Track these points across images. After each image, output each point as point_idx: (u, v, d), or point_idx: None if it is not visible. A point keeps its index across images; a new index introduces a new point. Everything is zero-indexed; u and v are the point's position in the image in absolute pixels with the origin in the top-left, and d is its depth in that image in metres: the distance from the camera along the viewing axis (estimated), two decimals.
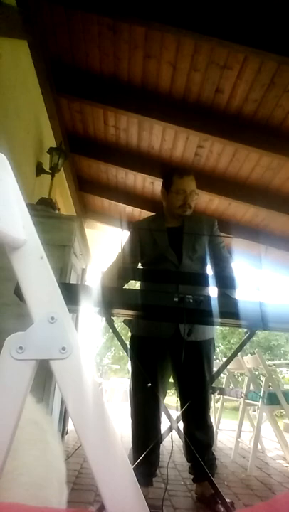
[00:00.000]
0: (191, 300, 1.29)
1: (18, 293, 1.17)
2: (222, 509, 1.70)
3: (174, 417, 1.57)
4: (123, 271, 2.01)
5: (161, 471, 2.20)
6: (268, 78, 2.71)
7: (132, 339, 2.09)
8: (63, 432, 2.73)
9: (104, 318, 1.52)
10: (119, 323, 5.65)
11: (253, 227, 4.66)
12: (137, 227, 2.20)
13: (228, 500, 1.71)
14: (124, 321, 2.17)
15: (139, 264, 2.15)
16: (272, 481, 2.57)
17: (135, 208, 5.01)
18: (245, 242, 4.69)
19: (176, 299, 1.30)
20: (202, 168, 3.93)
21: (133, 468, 0.54)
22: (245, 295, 1.67)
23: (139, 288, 2.03)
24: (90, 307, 1.36)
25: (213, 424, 4.11)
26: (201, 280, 1.83)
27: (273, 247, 4.73)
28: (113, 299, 1.36)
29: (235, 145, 3.39)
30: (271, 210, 4.07)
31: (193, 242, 2.05)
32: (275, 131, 3.15)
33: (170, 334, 1.93)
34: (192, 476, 2.03)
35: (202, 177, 3.99)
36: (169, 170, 2.22)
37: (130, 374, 2.06)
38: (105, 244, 6.00)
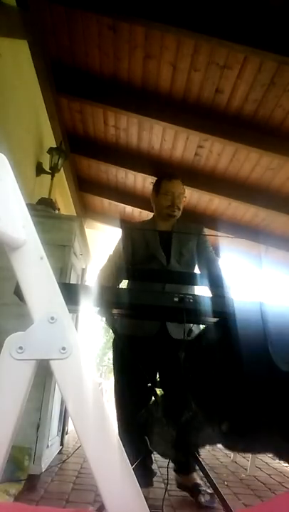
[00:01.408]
0: (191, 300, 1.29)
1: (18, 293, 1.17)
2: (203, 499, 1.84)
3: None
4: (116, 271, 2.06)
5: (161, 471, 2.20)
6: (268, 78, 2.71)
7: (115, 339, 2.08)
8: (63, 432, 2.73)
9: (104, 318, 1.52)
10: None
11: (253, 227, 4.65)
12: (128, 229, 2.26)
13: (209, 490, 1.86)
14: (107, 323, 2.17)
15: (130, 264, 2.18)
16: (272, 481, 2.57)
17: (135, 208, 5.01)
18: (245, 242, 4.69)
19: (176, 299, 1.30)
20: (202, 168, 3.92)
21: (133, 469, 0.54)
22: (245, 295, 1.67)
23: (126, 287, 2.04)
24: (89, 307, 1.36)
25: None
26: (190, 279, 1.84)
27: (273, 247, 4.73)
28: (113, 299, 1.36)
29: (235, 145, 3.39)
30: (271, 210, 4.07)
31: (180, 247, 2.13)
32: (275, 131, 3.15)
33: (154, 333, 1.92)
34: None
35: (202, 177, 3.99)
36: (159, 176, 2.34)
37: (114, 375, 2.08)
38: (105, 244, 6.00)
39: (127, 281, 2.07)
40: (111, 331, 1.89)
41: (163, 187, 2.18)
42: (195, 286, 1.82)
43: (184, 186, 2.24)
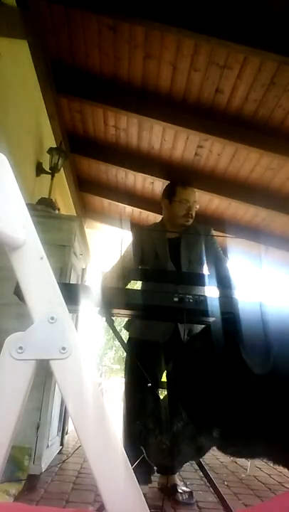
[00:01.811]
0: (191, 300, 1.29)
1: (18, 293, 1.17)
2: (180, 498, 1.93)
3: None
4: (125, 272, 2.05)
5: None
6: (268, 78, 2.71)
7: (129, 342, 2.10)
8: (63, 432, 2.73)
9: (104, 318, 1.52)
10: (119, 324, 5.66)
11: (253, 227, 4.65)
12: (139, 235, 2.22)
13: (187, 489, 1.99)
14: (124, 326, 2.19)
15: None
16: (272, 481, 2.57)
17: (135, 208, 5.01)
18: (245, 242, 4.69)
19: (176, 299, 1.30)
20: (202, 168, 3.92)
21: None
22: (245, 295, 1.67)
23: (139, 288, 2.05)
24: (90, 307, 1.36)
25: None
26: (200, 280, 1.84)
27: (273, 247, 4.73)
28: (113, 298, 1.36)
29: (235, 145, 3.39)
30: (271, 210, 4.07)
31: (189, 253, 2.12)
32: (275, 131, 3.15)
33: (167, 338, 1.94)
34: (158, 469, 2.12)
35: (202, 177, 3.99)
36: (171, 181, 2.28)
37: (125, 378, 2.09)
38: (105, 244, 6.00)
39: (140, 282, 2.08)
40: (111, 330, 1.89)
41: (178, 195, 2.11)
42: (205, 287, 1.83)
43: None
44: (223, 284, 1.78)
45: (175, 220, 2.14)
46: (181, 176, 4.02)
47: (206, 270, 2.17)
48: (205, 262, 2.14)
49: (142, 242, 2.16)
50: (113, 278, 2.06)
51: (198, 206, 2.18)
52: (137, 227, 2.29)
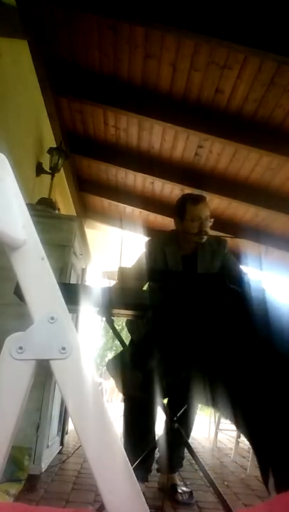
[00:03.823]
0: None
1: (18, 293, 1.17)
2: (180, 498, 1.94)
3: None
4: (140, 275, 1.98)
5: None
6: (268, 78, 2.71)
7: (131, 343, 2.09)
8: (63, 432, 2.73)
9: (104, 318, 1.52)
10: (119, 324, 5.65)
11: (253, 227, 4.66)
12: (153, 249, 2.11)
13: (187, 489, 2.02)
14: (126, 325, 2.17)
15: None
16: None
17: (135, 208, 5.01)
18: (245, 242, 4.69)
19: None
20: (202, 168, 3.93)
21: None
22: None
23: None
24: (90, 307, 1.36)
25: (213, 424, 4.11)
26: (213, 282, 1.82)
27: (274, 247, 4.73)
28: (112, 298, 1.36)
29: (235, 145, 3.39)
30: (271, 210, 4.07)
31: (205, 271, 2.04)
32: (275, 131, 3.15)
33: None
34: (157, 466, 2.17)
35: (202, 177, 4.00)
36: (181, 197, 2.18)
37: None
38: (105, 244, 6.00)
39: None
40: (111, 331, 1.89)
41: (189, 212, 2.00)
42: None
43: (193, 189, 2.12)
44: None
45: (187, 238, 2.05)
46: (181, 177, 4.02)
47: None
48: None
49: (155, 257, 2.07)
50: (131, 277, 1.99)
51: (212, 220, 2.06)
52: (149, 241, 2.18)
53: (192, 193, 2.25)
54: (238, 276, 2.07)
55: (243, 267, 2.51)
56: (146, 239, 2.22)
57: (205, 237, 2.03)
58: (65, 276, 2.26)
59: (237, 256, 5.03)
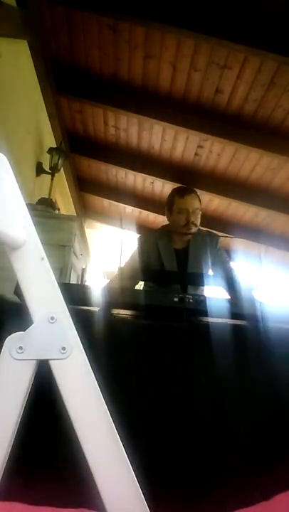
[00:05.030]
0: (191, 300, 1.28)
1: (18, 293, 1.17)
2: None
3: None
4: (133, 273, 2.00)
5: None
6: (267, 78, 2.71)
7: None
8: None
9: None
10: None
11: (253, 227, 4.66)
12: (145, 245, 2.15)
13: None
14: None
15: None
16: None
17: (135, 208, 5.01)
18: (245, 242, 4.69)
19: (176, 299, 1.29)
20: (202, 168, 3.93)
21: None
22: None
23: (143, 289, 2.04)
24: (89, 307, 1.35)
25: None
26: (205, 281, 1.83)
27: (274, 247, 4.73)
28: (112, 298, 1.35)
29: (235, 145, 3.39)
30: (271, 210, 4.07)
31: (196, 265, 2.07)
32: (275, 131, 3.15)
33: None
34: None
35: (202, 177, 4.00)
36: (171, 191, 2.21)
37: None
38: (105, 244, 6.00)
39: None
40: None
41: (176, 204, 2.04)
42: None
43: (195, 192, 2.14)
44: (233, 288, 1.76)
45: (178, 230, 2.09)
46: (180, 177, 4.03)
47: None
48: (212, 269, 2.10)
49: (148, 252, 2.11)
50: (124, 277, 2.02)
51: (200, 213, 2.10)
52: (142, 237, 2.21)
53: (182, 186, 2.25)
54: (228, 276, 2.09)
55: (241, 267, 2.51)
56: (138, 235, 2.25)
57: (193, 229, 2.05)
58: (65, 276, 2.26)
59: (237, 256, 5.04)
